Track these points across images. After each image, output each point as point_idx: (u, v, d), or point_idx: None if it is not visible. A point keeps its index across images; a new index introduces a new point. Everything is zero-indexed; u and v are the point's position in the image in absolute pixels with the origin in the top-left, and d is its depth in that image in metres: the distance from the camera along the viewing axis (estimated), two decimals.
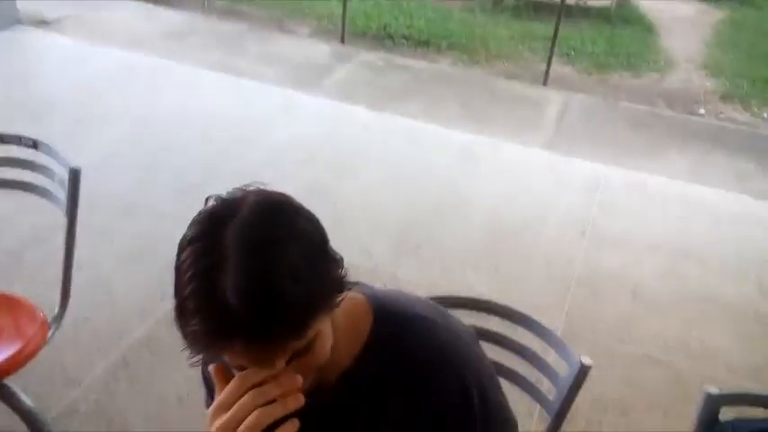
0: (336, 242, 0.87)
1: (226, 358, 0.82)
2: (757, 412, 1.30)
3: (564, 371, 1.31)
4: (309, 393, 0.89)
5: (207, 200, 0.84)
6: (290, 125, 4.02)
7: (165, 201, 3.20)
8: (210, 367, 0.86)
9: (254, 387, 0.80)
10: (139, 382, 2.25)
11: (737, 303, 2.85)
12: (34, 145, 1.84)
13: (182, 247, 0.81)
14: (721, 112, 4.92)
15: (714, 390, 1.28)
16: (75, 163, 1.72)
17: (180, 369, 2.30)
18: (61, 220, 1.77)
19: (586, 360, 1.27)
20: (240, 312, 0.74)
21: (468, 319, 1.18)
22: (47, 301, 1.83)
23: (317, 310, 0.80)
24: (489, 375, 1.05)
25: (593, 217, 3.35)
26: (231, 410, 0.79)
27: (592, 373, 1.29)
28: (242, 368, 0.82)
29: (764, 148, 4.37)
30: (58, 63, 4.66)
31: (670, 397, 2.35)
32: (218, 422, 0.80)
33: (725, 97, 5.18)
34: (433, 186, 3.50)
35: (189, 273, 0.78)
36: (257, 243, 0.77)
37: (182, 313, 0.79)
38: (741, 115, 4.92)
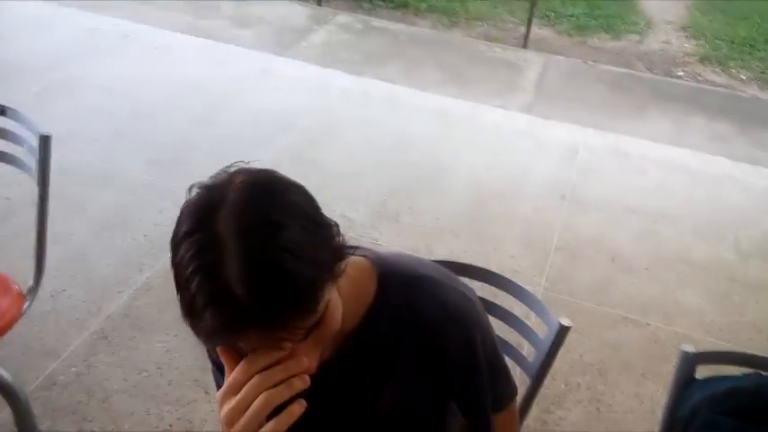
0: None
1: (241, 344, 0.81)
2: (732, 370, 1.32)
3: (544, 333, 1.32)
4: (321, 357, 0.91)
5: (190, 189, 0.82)
6: (266, 90, 3.96)
7: (138, 170, 3.14)
8: (218, 349, 0.84)
9: (261, 370, 0.79)
10: (119, 353, 2.23)
11: (713, 264, 2.89)
12: (2, 111, 1.78)
13: (176, 244, 0.79)
14: (700, 75, 4.93)
15: (690, 349, 1.29)
16: (43, 130, 1.67)
17: (159, 339, 2.29)
18: (33, 192, 1.73)
19: (566, 321, 1.28)
20: (250, 303, 0.73)
21: None
22: (22, 273, 1.80)
23: (324, 283, 0.79)
24: (492, 335, 1.06)
25: (572, 181, 3.35)
26: (239, 394, 0.79)
27: (571, 336, 1.30)
28: (256, 349, 0.81)
29: (742, 110, 4.40)
30: (20, 28, 4.51)
31: (647, 358, 2.39)
32: (227, 406, 0.80)
33: (704, 59, 5.18)
34: (413, 151, 3.48)
35: (190, 269, 0.75)
36: (252, 227, 0.75)
37: (191, 311, 0.77)
38: (720, 77, 4.93)
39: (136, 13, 4.72)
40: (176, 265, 0.78)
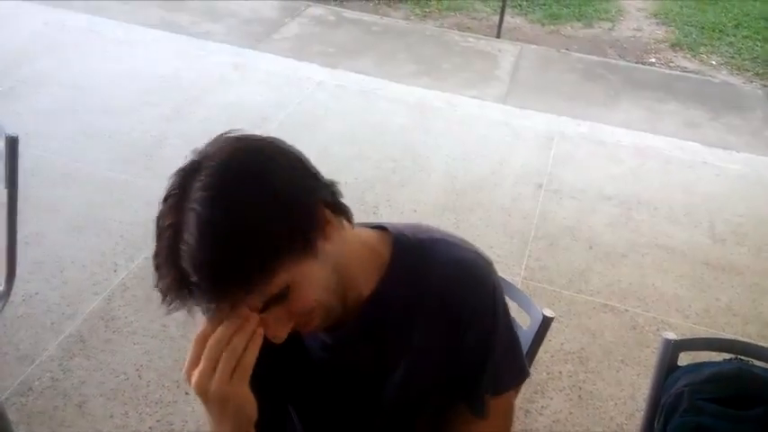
0: None
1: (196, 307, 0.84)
2: (712, 356, 1.33)
3: (527, 324, 1.32)
4: (334, 327, 0.95)
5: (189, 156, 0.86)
6: (239, 85, 3.91)
7: (109, 168, 3.08)
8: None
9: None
10: (96, 356, 2.19)
11: (689, 249, 2.92)
12: None
13: (160, 204, 0.84)
14: (672, 61, 4.97)
15: (672, 336, 1.30)
16: (10, 131, 1.62)
17: (137, 341, 2.25)
18: (1, 194, 1.68)
19: (549, 312, 1.28)
20: (196, 271, 0.78)
21: None
22: None
23: (280, 253, 0.80)
24: (504, 299, 1.05)
25: (549, 169, 3.37)
26: (201, 363, 0.83)
27: (552, 325, 1.30)
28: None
29: (713, 95, 4.45)
30: None
31: (627, 344, 2.41)
32: (194, 378, 0.84)
33: (675, 46, 5.23)
34: (390, 144, 3.46)
35: (157, 231, 0.83)
36: (217, 194, 0.79)
37: (154, 268, 0.83)
38: (691, 63, 4.98)
39: (100, 8, 4.61)
40: (156, 223, 0.84)
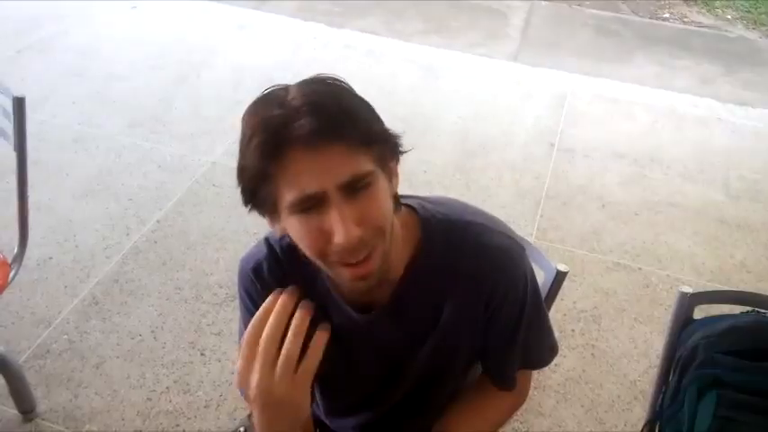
0: None
1: (279, 195, 0.82)
2: (728, 310, 1.32)
3: (541, 280, 1.31)
4: (366, 308, 0.95)
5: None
6: (246, 46, 3.86)
7: (117, 132, 3.07)
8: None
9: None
10: (111, 318, 2.21)
11: (703, 207, 2.89)
12: None
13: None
14: (686, 16, 4.86)
15: (688, 289, 1.29)
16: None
17: (151, 303, 2.27)
18: (11, 159, 1.67)
19: (562, 267, 1.27)
20: (303, 107, 0.78)
21: None
22: (5, 242, 1.76)
23: (377, 136, 0.83)
24: (536, 283, 1.05)
25: (561, 128, 3.32)
26: (257, 366, 0.84)
27: (564, 284, 1.29)
28: (297, 203, 0.81)
29: (728, 50, 4.35)
30: None
31: (640, 302, 2.40)
32: (254, 381, 0.84)
33: (689, 0, 5.10)
34: (399, 104, 3.42)
35: (252, 104, 0.83)
36: (322, 81, 0.84)
37: (243, 138, 0.81)
38: (705, 18, 4.86)
39: None
40: (245, 113, 0.84)
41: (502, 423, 1.21)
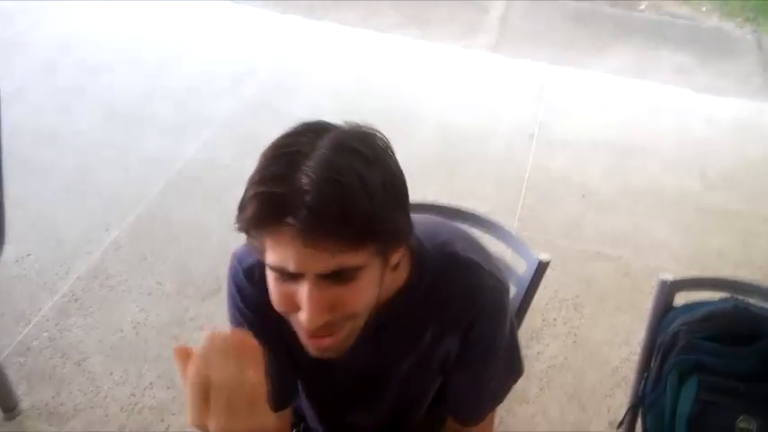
0: None
1: (267, 251, 0.81)
2: (707, 296, 1.34)
3: (522, 270, 1.32)
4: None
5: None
6: (222, 40, 3.82)
7: (96, 128, 3.03)
8: (174, 348, 0.76)
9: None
10: (92, 314, 2.19)
11: (680, 195, 2.93)
12: None
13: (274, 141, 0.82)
14: (661, 7, 4.90)
15: (668, 277, 1.32)
16: None
17: (132, 299, 2.25)
18: None
19: (544, 257, 1.28)
20: (308, 191, 0.75)
21: None
22: None
23: (378, 234, 0.79)
24: (515, 324, 1.08)
25: (540, 119, 3.34)
26: (212, 408, 0.72)
27: (546, 273, 1.31)
28: (275, 270, 0.80)
29: (704, 40, 4.40)
30: None
31: (621, 290, 2.43)
32: (212, 425, 0.73)
33: None
34: (379, 97, 3.42)
35: (275, 147, 0.80)
36: (348, 150, 0.79)
37: (251, 185, 0.79)
38: (681, 9, 4.91)
39: None
40: (267, 147, 0.81)
41: None
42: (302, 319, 0.81)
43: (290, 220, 0.75)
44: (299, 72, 3.57)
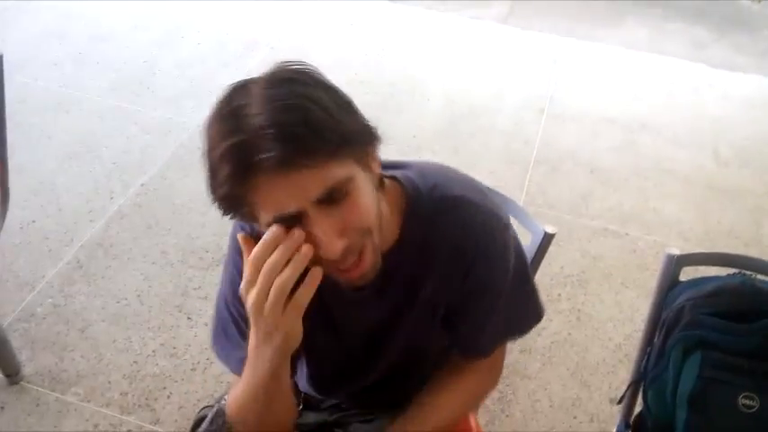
0: None
1: (256, 214, 0.82)
2: (714, 272, 1.32)
3: (528, 242, 1.30)
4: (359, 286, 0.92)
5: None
6: (228, 9, 3.77)
7: (101, 95, 3.01)
8: (239, 236, 0.89)
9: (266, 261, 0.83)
10: (96, 282, 2.19)
11: (692, 172, 2.89)
12: None
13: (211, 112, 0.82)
14: None
15: (675, 251, 1.29)
16: None
17: (136, 267, 2.25)
18: None
19: (550, 229, 1.26)
20: (267, 129, 0.74)
21: None
22: None
23: (346, 138, 0.79)
24: (523, 262, 1.05)
25: (550, 93, 3.29)
26: (256, 286, 0.83)
27: (551, 249, 1.29)
28: (277, 220, 0.81)
29: (721, 14, 4.30)
30: None
31: (627, 267, 2.41)
32: (251, 299, 0.84)
33: None
34: (387, 68, 3.37)
35: (214, 116, 0.80)
36: (284, 81, 0.80)
37: (209, 155, 0.80)
38: None
39: None
40: (205, 126, 0.81)
41: (479, 400, 1.23)
42: (324, 254, 0.82)
43: (263, 157, 0.75)
44: (306, 43, 3.53)
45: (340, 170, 0.79)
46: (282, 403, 0.96)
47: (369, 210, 0.84)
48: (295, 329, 0.87)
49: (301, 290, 0.84)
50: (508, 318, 1.06)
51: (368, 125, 0.86)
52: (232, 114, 0.78)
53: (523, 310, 1.10)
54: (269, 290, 0.83)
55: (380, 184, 0.91)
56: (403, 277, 0.98)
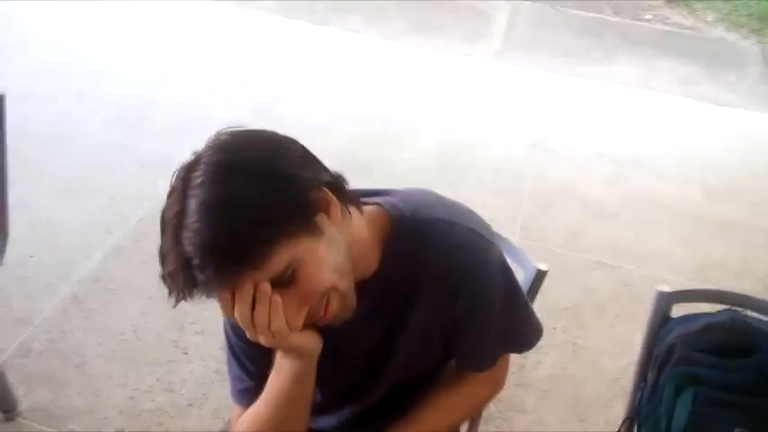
0: None
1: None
2: (706, 309, 1.35)
3: (521, 279, 1.32)
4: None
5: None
6: (226, 44, 3.84)
7: (99, 130, 3.05)
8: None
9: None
10: (93, 317, 2.20)
11: (682, 207, 2.93)
12: None
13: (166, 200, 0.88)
14: (667, 17, 4.91)
15: (665, 288, 1.32)
16: None
17: (133, 302, 2.26)
18: None
19: (543, 266, 1.28)
20: (196, 256, 0.80)
21: None
22: None
23: (285, 228, 0.82)
24: (512, 281, 1.07)
25: (543, 128, 3.35)
26: (259, 337, 0.89)
27: (546, 282, 1.31)
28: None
29: (709, 52, 4.41)
30: None
31: (620, 300, 2.43)
32: (262, 342, 0.90)
33: (671, 2, 5.15)
34: (381, 103, 3.43)
35: (162, 225, 0.86)
36: (214, 178, 0.83)
37: (160, 260, 0.86)
38: (686, 20, 4.92)
39: None
40: (161, 218, 0.87)
41: (478, 409, 1.24)
42: (290, 324, 0.88)
43: (202, 283, 0.82)
44: (300, 78, 3.59)
45: (282, 257, 0.83)
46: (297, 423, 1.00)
47: (324, 275, 0.87)
48: (300, 341, 0.93)
49: (272, 322, 0.88)
50: (503, 332, 1.07)
51: (313, 183, 0.88)
52: (171, 229, 0.83)
53: (519, 324, 1.11)
54: (272, 336, 0.88)
55: (359, 211, 0.96)
56: (394, 299, 0.99)
